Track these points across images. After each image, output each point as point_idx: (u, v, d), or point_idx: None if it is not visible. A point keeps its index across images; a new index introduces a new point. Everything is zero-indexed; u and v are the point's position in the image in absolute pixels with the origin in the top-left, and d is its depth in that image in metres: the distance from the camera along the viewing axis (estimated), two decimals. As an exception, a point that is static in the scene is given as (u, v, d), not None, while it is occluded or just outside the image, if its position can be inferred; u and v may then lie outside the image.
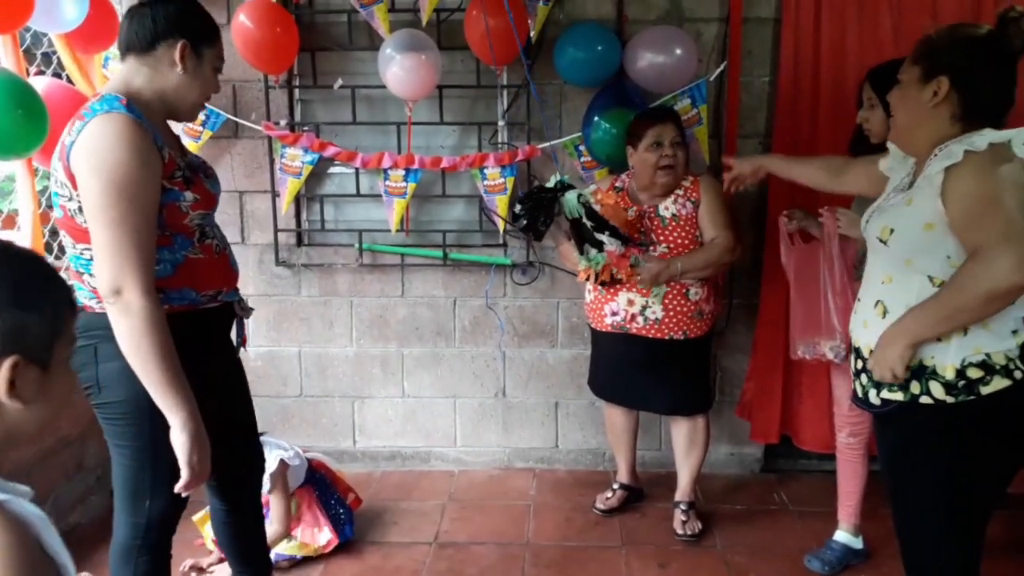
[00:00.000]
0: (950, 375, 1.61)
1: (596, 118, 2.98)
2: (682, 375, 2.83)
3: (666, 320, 2.73)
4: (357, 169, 3.22)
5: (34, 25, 2.51)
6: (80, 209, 1.65)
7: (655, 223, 2.76)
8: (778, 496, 3.22)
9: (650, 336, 2.76)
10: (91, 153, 1.60)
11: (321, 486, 2.83)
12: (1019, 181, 1.52)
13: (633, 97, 2.99)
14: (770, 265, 3.02)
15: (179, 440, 1.65)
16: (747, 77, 3.12)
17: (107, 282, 1.61)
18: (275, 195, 3.25)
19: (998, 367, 1.59)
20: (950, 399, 1.62)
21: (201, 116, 3.12)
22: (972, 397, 1.60)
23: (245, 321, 2.04)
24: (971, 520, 1.70)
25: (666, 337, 2.75)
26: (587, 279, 2.74)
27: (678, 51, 2.92)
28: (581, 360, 3.30)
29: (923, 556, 1.77)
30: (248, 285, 3.38)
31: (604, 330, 2.85)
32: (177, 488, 1.69)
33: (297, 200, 3.25)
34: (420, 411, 3.47)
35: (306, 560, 2.72)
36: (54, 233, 2.99)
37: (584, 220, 2.61)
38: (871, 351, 1.70)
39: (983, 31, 1.65)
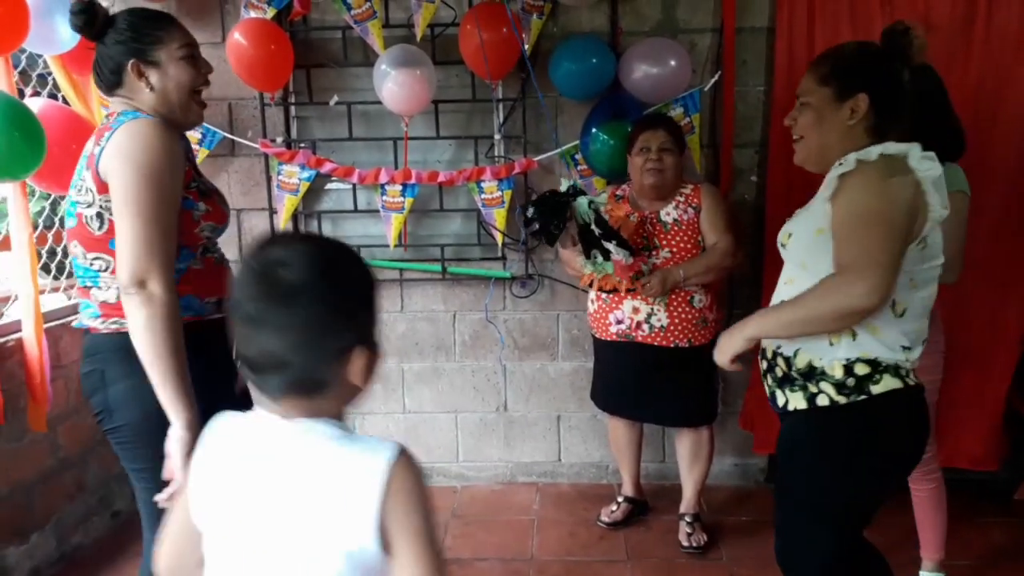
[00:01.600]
0: (839, 373, 1.65)
1: (594, 130, 2.99)
2: (687, 385, 2.82)
3: (671, 328, 2.73)
4: (354, 185, 3.22)
5: (29, 47, 2.51)
6: (98, 215, 1.68)
7: (657, 228, 2.75)
8: (783, 506, 3.20)
9: (655, 344, 2.75)
10: (125, 150, 1.64)
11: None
12: (904, 197, 1.56)
13: (629, 108, 2.99)
14: (770, 274, 3.02)
15: (181, 437, 1.61)
16: (742, 87, 3.12)
17: (131, 272, 1.61)
18: (272, 212, 3.25)
19: (885, 366, 1.64)
20: (842, 399, 1.66)
21: (197, 135, 3.14)
22: (863, 396, 1.64)
23: None
24: (838, 522, 1.73)
25: (671, 345, 2.74)
26: (589, 284, 2.74)
27: (672, 62, 2.92)
28: (583, 372, 3.28)
29: (792, 550, 1.81)
30: (246, 303, 3.37)
31: (609, 339, 2.84)
32: (160, 498, 1.64)
33: (295, 217, 3.25)
34: (421, 426, 3.45)
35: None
36: (52, 253, 2.99)
37: (593, 227, 2.61)
38: (773, 351, 1.77)
39: (881, 46, 1.71)
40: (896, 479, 1.79)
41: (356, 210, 3.27)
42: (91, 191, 1.69)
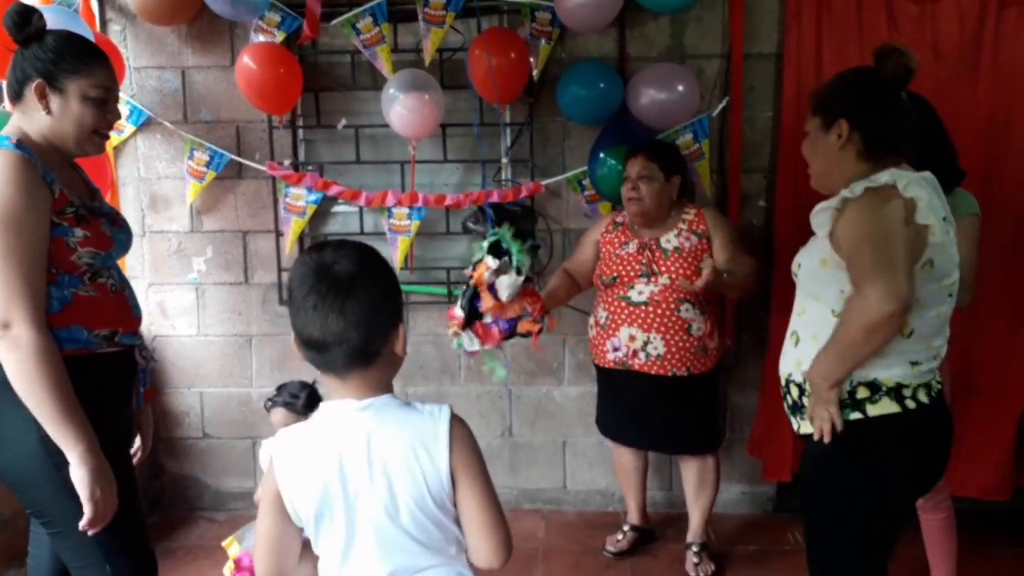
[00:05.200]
0: (844, 396, 1.71)
1: (601, 155, 2.98)
2: (688, 413, 2.78)
3: (668, 356, 2.69)
4: (361, 208, 3.22)
5: None
6: None
7: (657, 255, 2.73)
8: (792, 536, 3.15)
9: (652, 372, 2.71)
10: None
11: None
12: (898, 216, 1.62)
13: (637, 133, 2.99)
14: (779, 297, 2.99)
15: (79, 475, 1.61)
16: (750, 112, 3.12)
17: None
18: (279, 234, 3.25)
19: (885, 388, 1.69)
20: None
21: (205, 157, 3.15)
22: (859, 415, 1.70)
23: (148, 371, 1.97)
24: (868, 543, 1.77)
25: (669, 374, 2.70)
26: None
27: (680, 87, 2.93)
28: (589, 398, 3.25)
29: (825, 572, 1.85)
30: (252, 325, 3.36)
31: (607, 366, 2.82)
32: (81, 526, 1.63)
33: (301, 239, 3.24)
34: (425, 452, 3.41)
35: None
36: None
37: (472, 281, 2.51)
38: (786, 379, 1.83)
39: (865, 71, 1.77)
40: (907, 499, 1.83)
41: (363, 232, 3.26)
42: None
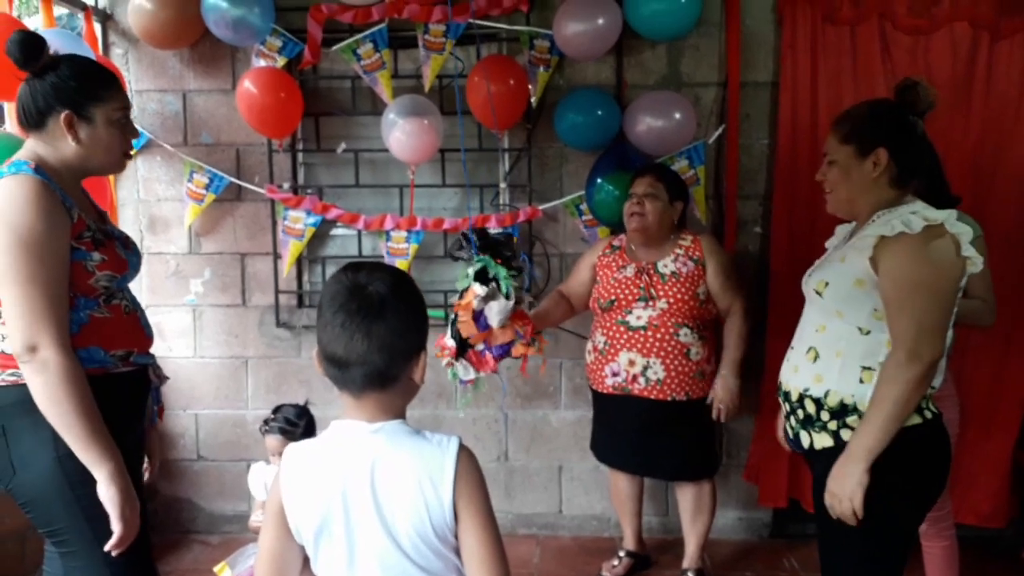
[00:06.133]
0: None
1: (599, 180, 3.01)
2: (685, 439, 2.78)
3: (667, 381, 2.70)
4: (359, 231, 3.23)
5: None
6: None
7: (654, 279, 2.74)
8: (788, 562, 3.14)
9: (652, 397, 2.72)
10: (1, 213, 1.59)
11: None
12: (948, 257, 1.70)
13: (634, 160, 3.02)
14: (775, 322, 3.01)
15: (109, 494, 1.61)
16: (746, 140, 3.15)
17: (21, 340, 1.58)
18: (277, 257, 3.26)
19: None
20: None
21: (205, 179, 3.17)
22: None
23: (161, 390, 1.98)
24: (888, 559, 1.80)
25: (668, 399, 2.71)
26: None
27: (677, 115, 2.96)
28: (585, 422, 3.25)
29: None
30: (248, 347, 3.36)
31: (606, 392, 2.82)
32: (109, 547, 1.63)
33: (299, 262, 3.26)
34: (421, 475, 3.39)
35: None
36: None
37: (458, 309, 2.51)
38: (799, 394, 1.85)
39: (895, 102, 1.85)
40: (924, 511, 1.84)
41: (361, 256, 3.27)
42: None
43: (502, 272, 2.47)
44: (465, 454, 1.30)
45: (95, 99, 1.72)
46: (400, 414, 1.35)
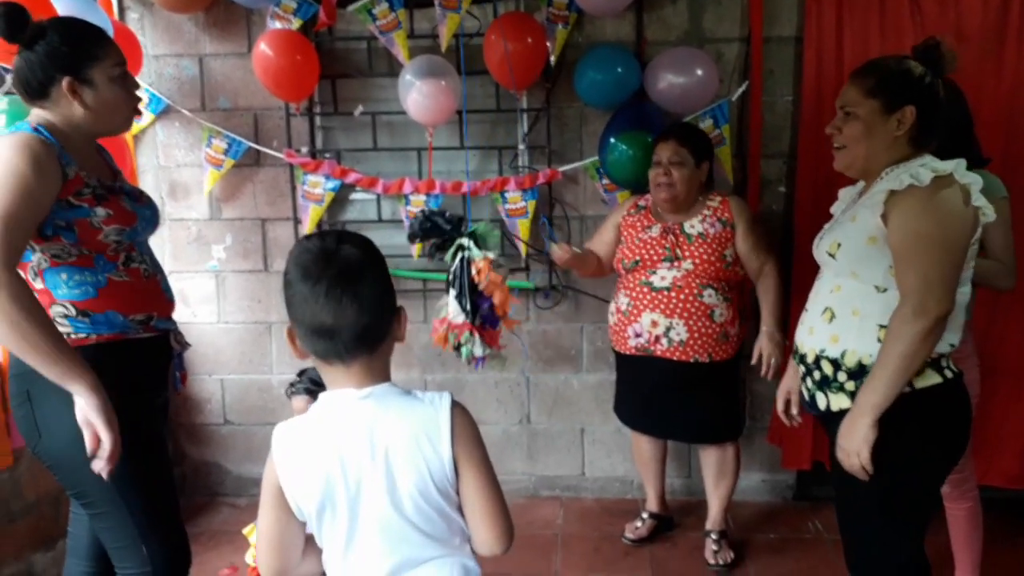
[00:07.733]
0: None
1: (612, 140, 2.96)
2: (708, 401, 2.76)
3: (690, 342, 2.67)
4: (378, 195, 3.22)
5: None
6: None
7: (680, 239, 2.71)
8: (812, 525, 3.13)
9: (674, 359, 2.70)
10: None
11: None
12: (956, 207, 1.67)
13: (653, 118, 2.96)
14: (798, 283, 2.96)
15: (91, 404, 1.55)
16: (770, 97, 3.08)
17: None
18: (297, 222, 3.26)
19: (929, 361, 1.70)
20: None
21: (223, 144, 3.16)
22: (907, 390, 1.69)
23: (184, 356, 1.97)
24: (910, 519, 1.79)
25: (691, 360, 2.69)
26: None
27: (699, 72, 2.90)
28: (607, 385, 3.24)
29: (865, 554, 1.85)
30: (272, 312, 3.38)
31: (628, 353, 2.80)
32: (98, 468, 1.59)
33: (319, 226, 3.25)
34: (443, 439, 3.41)
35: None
36: None
37: (453, 276, 2.46)
38: (816, 355, 1.82)
39: (922, 60, 1.77)
40: (946, 471, 1.84)
41: (380, 220, 3.27)
42: None
43: (493, 236, 2.45)
44: (459, 409, 1.32)
45: (91, 59, 1.71)
46: (387, 376, 1.34)
